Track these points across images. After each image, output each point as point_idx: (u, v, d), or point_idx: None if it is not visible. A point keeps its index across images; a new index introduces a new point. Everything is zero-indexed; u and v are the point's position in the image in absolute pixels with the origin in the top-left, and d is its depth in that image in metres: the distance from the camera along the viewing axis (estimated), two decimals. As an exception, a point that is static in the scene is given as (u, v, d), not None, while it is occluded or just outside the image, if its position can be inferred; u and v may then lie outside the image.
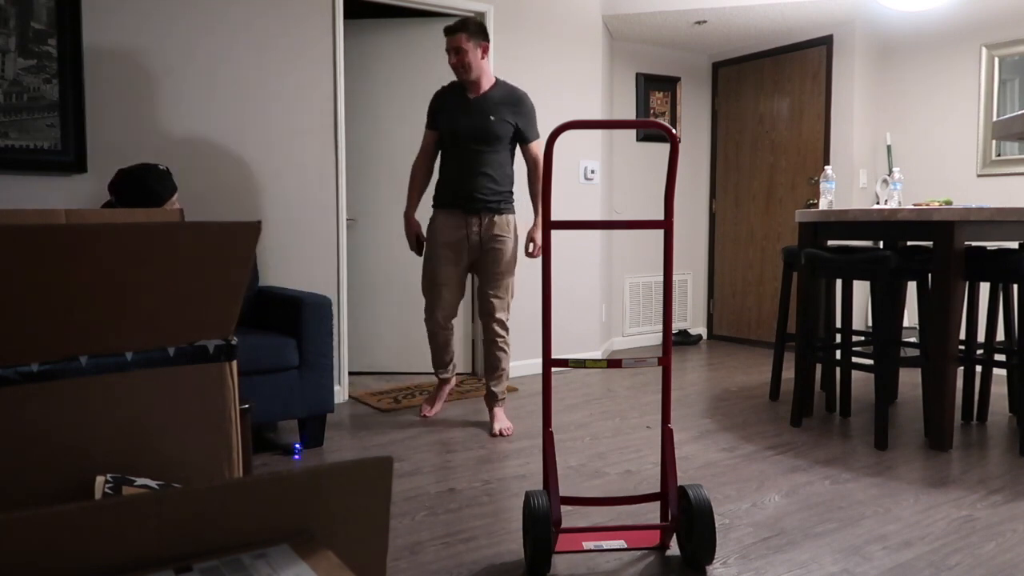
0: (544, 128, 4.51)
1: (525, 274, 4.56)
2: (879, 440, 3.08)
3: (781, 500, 2.52)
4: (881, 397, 3.08)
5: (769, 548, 2.15)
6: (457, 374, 4.53)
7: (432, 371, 4.53)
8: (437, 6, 4.16)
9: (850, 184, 5.02)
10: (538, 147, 3.36)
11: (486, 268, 3.38)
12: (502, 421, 3.38)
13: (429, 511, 2.44)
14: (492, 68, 3.31)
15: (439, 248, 3.34)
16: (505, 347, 3.42)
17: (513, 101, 3.30)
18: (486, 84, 3.29)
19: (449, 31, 3.21)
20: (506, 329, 3.40)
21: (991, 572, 2.00)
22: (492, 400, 3.45)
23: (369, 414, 3.68)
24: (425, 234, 3.44)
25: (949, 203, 3.60)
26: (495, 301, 3.36)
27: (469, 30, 3.19)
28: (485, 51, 3.25)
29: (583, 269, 4.82)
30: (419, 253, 3.44)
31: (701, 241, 6.03)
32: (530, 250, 3.39)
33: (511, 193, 3.38)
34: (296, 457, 3.04)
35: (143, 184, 2.77)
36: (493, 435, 3.30)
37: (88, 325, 0.90)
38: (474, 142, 3.26)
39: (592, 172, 4.81)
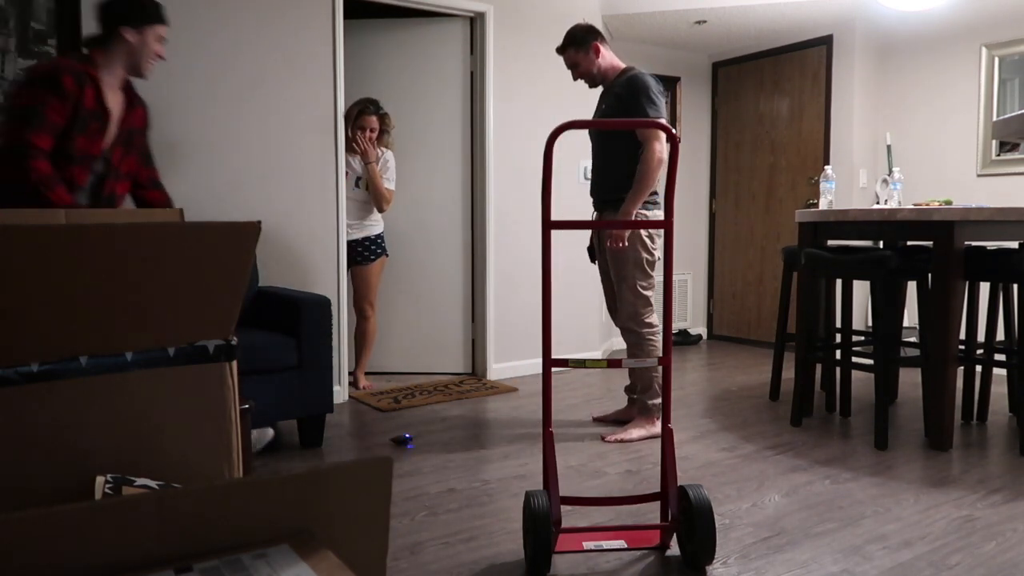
0: (543, 129, 4.51)
1: (525, 273, 4.57)
2: (879, 440, 3.08)
3: (781, 500, 2.52)
4: (881, 397, 3.08)
5: (769, 548, 2.15)
6: (456, 373, 4.53)
7: (433, 371, 4.54)
8: (437, 6, 4.16)
9: (850, 184, 5.02)
10: (651, 130, 3.02)
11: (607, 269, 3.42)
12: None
13: (429, 511, 2.44)
14: (612, 57, 3.23)
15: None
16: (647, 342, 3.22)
17: (621, 86, 3.15)
18: (612, 76, 3.22)
19: (559, 51, 3.24)
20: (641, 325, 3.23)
21: (991, 572, 2.00)
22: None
23: (369, 414, 3.68)
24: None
25: (949, 203, 3.60)
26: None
27: (576, 43, 3.18)
28: (597, 50, 3.18)
29: (583, 269, 4.82)
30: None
31: (701, 241, 6.03)
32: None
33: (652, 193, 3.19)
34: (410, 447, 3.11)
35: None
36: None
37: (88, 325, 0.90)
38: (594, 133, 3.29)
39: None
